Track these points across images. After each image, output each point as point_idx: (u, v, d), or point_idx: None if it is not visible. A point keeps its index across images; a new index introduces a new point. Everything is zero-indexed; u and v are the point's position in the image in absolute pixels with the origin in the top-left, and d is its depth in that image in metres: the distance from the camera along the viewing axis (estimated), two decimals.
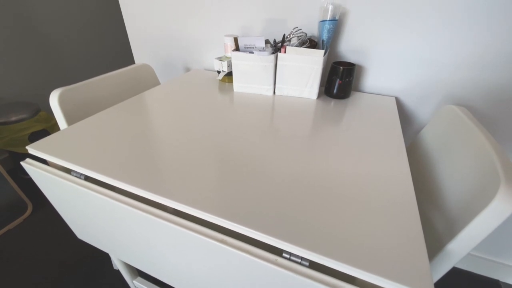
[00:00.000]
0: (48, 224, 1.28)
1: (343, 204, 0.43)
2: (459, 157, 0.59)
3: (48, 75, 1.79)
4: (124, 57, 2.30)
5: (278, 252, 0.37)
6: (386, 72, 0.87)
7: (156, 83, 1.02)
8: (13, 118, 1.42)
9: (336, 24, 0.79)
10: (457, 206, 0.52)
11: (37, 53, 1.70)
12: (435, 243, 0.52)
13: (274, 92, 0.86)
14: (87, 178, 0.52)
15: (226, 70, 0.91)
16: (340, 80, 0.81)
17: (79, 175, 0.52)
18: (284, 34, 0.80)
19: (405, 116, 0.92)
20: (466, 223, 0.45)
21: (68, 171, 0.53)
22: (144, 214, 0.43)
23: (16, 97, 1.65)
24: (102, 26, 2.08)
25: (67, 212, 0.64)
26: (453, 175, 0.58)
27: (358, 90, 0.93)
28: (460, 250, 0.47)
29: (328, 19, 0.76)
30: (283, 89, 0.85)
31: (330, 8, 0.75)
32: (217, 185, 0.46)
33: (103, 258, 1.11)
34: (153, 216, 0.43)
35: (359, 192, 0.46)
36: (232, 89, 0.90)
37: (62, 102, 0.71)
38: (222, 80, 0.95)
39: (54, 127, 1.58)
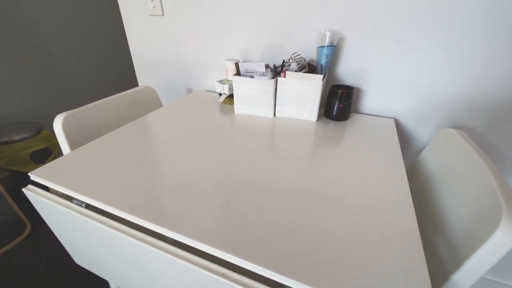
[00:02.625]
0: (47, 245, 1.26)
1: (345, 235, 0.43)
2: (460, 182, 0.59)
3: (52, 94, 1.83)
4: (128, 75, 2.35)
5: (280, 287, 0.36)
6: (385, 94, 0.88)
7: (159, 105, 1.04)
8: (16, 137, 1.43)
9: (334, 50, 0.82)
10: (461, 233, 0.52)
11: (42, 72, 1.74)
12: (440, 272, 0.51)
13: (275, 114, 0.87)
14: (88, 206, 0.52)
15: (227, 92, 0.93)
16: (339, 103, 0.82)
17: (80, 203, 0.52)
18: (284, 60, 0.82)
19: (405, 137, 0.93)
20: (471, 253, 0.45)
21: (69, 198, 0.53)
22: (144, 244, 0.43)
23: (21, 115, 1.67)
24: (107, 47, 2.14)
25: (66, 238, 0.64)
26: (455, 201, 0.58)
27: (357, 111, 0.95)
28: (466, 281, 0.46)
29: (326, 45, 0.79)
30: (283, 112, 0.86)
31: (328, 35, 0.78)
32: (217, 215, 0.46)
33: (101, 283, 1.09)
34: (153, 247, 0.42)
35: (360, 220, 0.46)
36: (233, 111, 0.91)
37: (65, 126, 0.72)
38: (224, 102, 0.97)
39: (56, 146, 1.59)
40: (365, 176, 0.58)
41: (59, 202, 0.53)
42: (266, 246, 0.40)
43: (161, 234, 0.44)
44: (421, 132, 0.90)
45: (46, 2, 1.67)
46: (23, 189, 0.56)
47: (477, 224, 0.48)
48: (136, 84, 1.36)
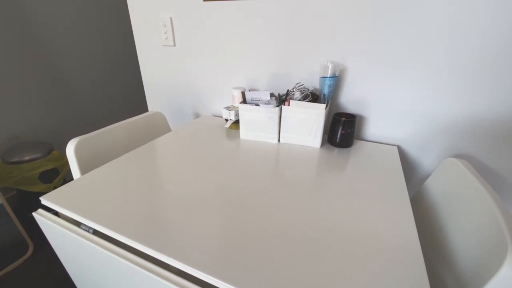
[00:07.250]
0: (48, 268, 1.25)
1: (348, 263, 0.43)
2: (464, 214, 0.59)
3: (65, 116, 1.90)
4: (138, 99, 2.44)
5: None
6: (387, 122, 0.90)
7: (167, 129, 1.08)
8: (26, 158, 1.47)
9: (336, 80, 0.85)
10: (468, 267, 0.51)
11: (56, 95, 1.83)
12: None
13: (279, 140, 0.90)
14: (96, 232, 0.53)
15: (233, 118, 0.96)
16: (342, 131, 0.84)
17: (88, 229, 0.53)
18: (288, 89, 0.86)
19: (408, 165, 0.94)
20: None
21: (77, 223, 0.55)
22: (150, 274, 0.44)
23: (33, 135, 1.73)
24: (119, 73, 2.24)
25: (70, 263, 0.64)
26: (461, 233, 0.57)
27: (360, 138, 0.96)
28: None
29: (328, 75, 0.82)
30: (287, 138, 0.88)
31: (330, 66, 0.82)
32: (223, 245, 0.47)
33: None
34: (158, 276, 0.43)
35: (362, 249, 0.46)
36: (239, 136, 0.94)
37: (78, 151, 0.75)
38: (230, 127, 1.00)
39: (64, 166, 1.62)
40: (368, 203, 0.59)
41: (67, 227, 0.54)
42: (269, 278, 0.40)
43: (166, 263, 0.44)
44: (425, 159, 0.90)
45: (61, 28, 1.78)
46: (34, 213, 0.58)
47: (484, 258, 0.47)
48: (146, 107, 1.41)
